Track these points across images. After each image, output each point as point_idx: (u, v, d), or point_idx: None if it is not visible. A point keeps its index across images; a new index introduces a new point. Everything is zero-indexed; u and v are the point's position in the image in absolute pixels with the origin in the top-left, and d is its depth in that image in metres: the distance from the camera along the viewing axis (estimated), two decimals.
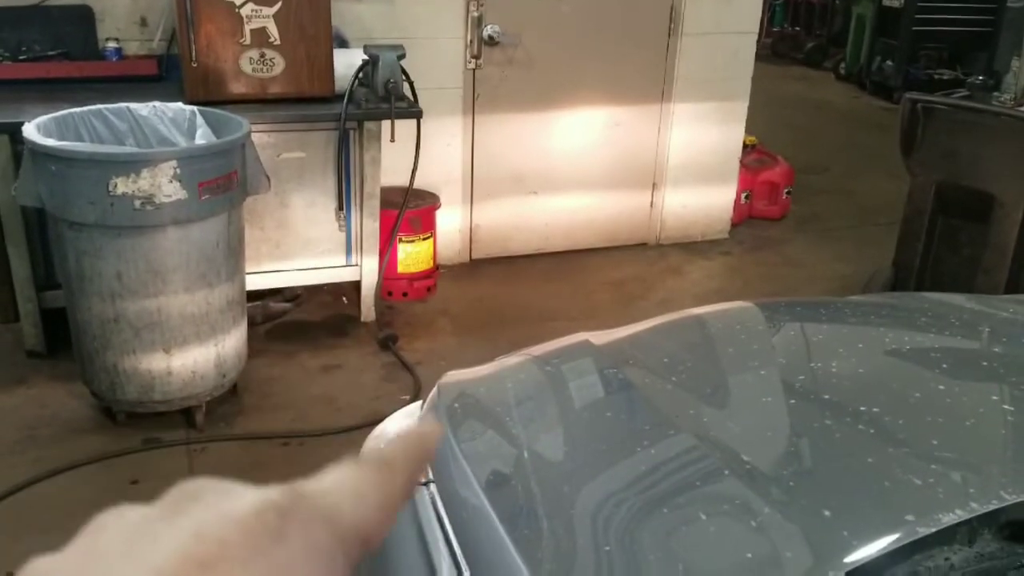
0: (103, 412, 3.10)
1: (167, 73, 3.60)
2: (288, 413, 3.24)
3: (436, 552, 1.21)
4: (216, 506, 0.31)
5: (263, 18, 3.24)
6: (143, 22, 3.71)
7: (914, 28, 8.69)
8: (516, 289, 4.37)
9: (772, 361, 1.70)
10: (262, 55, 3.30)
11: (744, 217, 5.16)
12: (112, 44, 3.56)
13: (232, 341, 3.07)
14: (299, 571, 0.30)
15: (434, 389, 1.70)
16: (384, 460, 0.37)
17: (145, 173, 2.63)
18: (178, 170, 2.66)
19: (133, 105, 3.07)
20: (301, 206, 3.63)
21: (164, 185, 2.66)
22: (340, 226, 3.69)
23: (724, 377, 1.67)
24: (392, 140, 3.48)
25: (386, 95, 3.40)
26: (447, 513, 1.26)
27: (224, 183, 2.81)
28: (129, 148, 2.89)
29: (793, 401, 1.59)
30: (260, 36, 3.27)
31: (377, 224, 3.73)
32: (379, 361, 3.64)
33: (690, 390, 1.59)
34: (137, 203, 2.65)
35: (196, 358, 2.95)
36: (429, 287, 4.17)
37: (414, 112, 3.51)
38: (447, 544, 1.21)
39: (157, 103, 3.09)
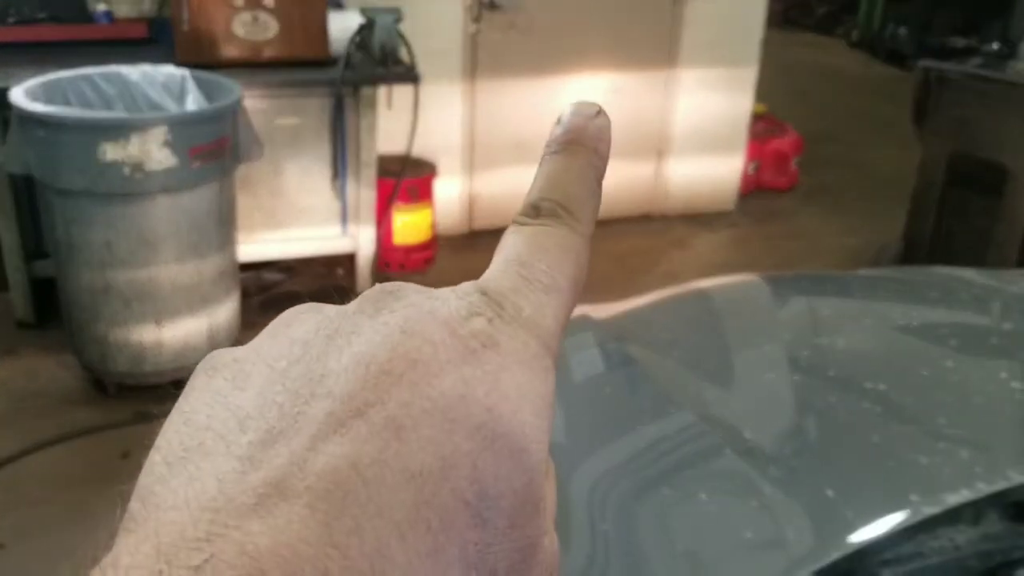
0: (94, 384, 3.04)
1: (158, 36, 3.51)
2: None
3: None
4: (421, 305, 0.29)
5: None
6: None
7: None
8: None
9: (777, 336, 1.63)
10: (255, 18, 3.20)
11: (752, 188, 5.06)
12: (102, 7, 3.46)
13: (224, 312, 3.01)
14: (512, 375, 0.28)
15: None
16: (559, 207, 0.33)
17: (135, 139, 2.55)
18: (169, 136, 2.59)
19: (123, 69, 2.99)
20: (295, 174, 3.55)
21: (154, 151, 2.59)
22: (336, 195, 3.61)
23: (727, 353, 1.60)
24: (389, 107, 3.39)
25: (383, 59, 3.31)
26: None
27: (215, 150, 2.74)
28: (119, 113, 2.81)
29: (797, 377, 1.52)
30: None
31: (374, 193, 3.66)
32: None
33: (692, 366, 1.52)
34: (127, 170, 2.58)
35: (188, 329, 2.89)
36: (427, 259, 4.09)
37: (412, 77, 3.42)
38: None
39: (147, 67, 3.00)
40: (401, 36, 3.35)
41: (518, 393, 0.27)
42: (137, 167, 2.59)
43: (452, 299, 0.29)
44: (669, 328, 1.72)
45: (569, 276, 0.32)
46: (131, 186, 2.61)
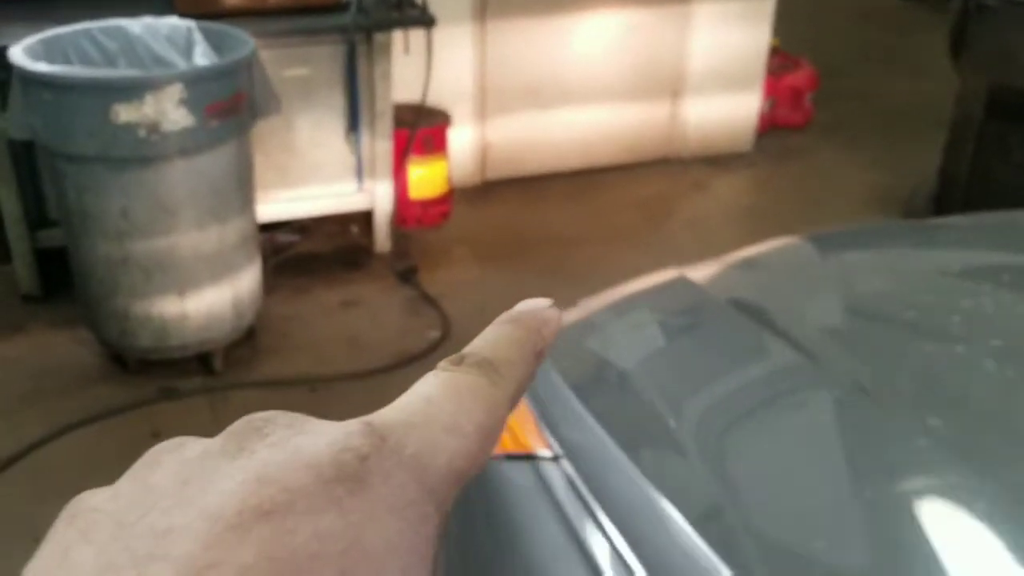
0: (112, 360, 2.88)
1: None
2: (309, 355, 3.03)
3: (589, 546, 1.02)
4: (286, 444, 0.27)
5: None
6: None
7: None
8: (534, 212, 4.13)
9: (898, 291, 1.50)
10: None
11: (767, 126, 4.90)
12: None
13: (248, 280, 2.85)
14: (380, 526, 0.26)
15: None
16: (485, 361, 0.33)
17: (149, 98, 2.36)
18: (185, 94, 2.40)
19: (123, 22, 2.77)
20: (307, 128, 3.36)
21: (170, 111, 2.40)
22: (350, 149, 3.43)
23: (848, 310, 1.47)
24: (406, 52, 3.20)
25: (397, 2, 3.10)
26: (593, 496, 1.05)
27: (232, 106, 2.55)
28: (131, 72, 2.60)
29: (927, 333, 1.39)
30: None
31: (390, 145, 3.47)
32: (399, 295, 3.42)
33: (814, 327, 1.38)
34: (142, 132, 2.39)
35: (212, 300, 2.73)
36: (444, 213, 3.92)
37: (427, 19, 3.22)
38: (603, 536, 1.01)
39: (150, 19, 2.79)
40: None
41: (385, 548, 0.26)
42: (153, 128, 2.40)
43: (327, 434, 0.28)
44: (780, 287, 1.59)
45: (478, 423, 0.30)
46: (147, 149, 2.43)
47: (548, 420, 1.22)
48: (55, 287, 3.15)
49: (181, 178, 2.53)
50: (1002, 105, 3.49)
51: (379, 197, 3.55)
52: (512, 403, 0.33)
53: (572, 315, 1.62)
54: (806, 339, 1.29)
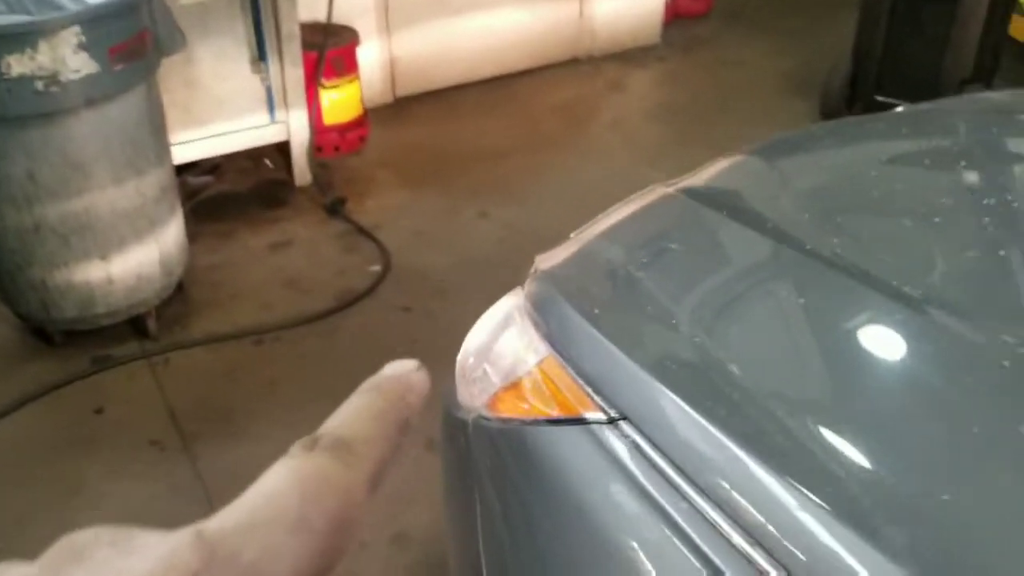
0: (34, 334, 2.66)
1: None
2: (248, 304, 2.86)
3: (675, 517, 0.95)
4: (106, 571, 0.25)
5: None
6: None
7: None
8: (454, 126, 3.98)
9: (894, 181, 1.46)
10: None
11: (671, 17, 4.82)
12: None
13: (173, 233, 2.64)
14: None
15: (531, 284, 1.40)
16: (340, 442, 0.30)
17: (43, 46, 2.10)
18: (83, 37, 2.14)
19: None
20: (209, 59, 3.10)
21: (69, 58, 2.14)
22: (262, 79, 3.19)
23: (850, 205, 1.42)
24: None
25: None
26: (670, 462, 0.98)
27: (137, 46, 2.30)
28: (19, 17, 2.31)
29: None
30: None
31: (301, 71, 3.25)
32: (331, 230, 3.25)
33: (832, 225, 1.31)
34: (39, 84, 2.14)
35: (138, 259, 2.52)
36: (362, 136, 3.73)
37: None
38: (690, 505, 0.94)
39: None
40: None
41: None
42: (51, 79, 2.14)
43: (153, 553, 0.25)
44: (772, 188, 1.53)
45: (328, 515, 0.28)
46: (47, 103, 2.17)
47: (591, 378, 1.13)
48: None
49: (90, 131, 2.28)
50: None
51: (295, 127, 3.34)
52: (372, 484, 0.31)
53: (569, 250, 1.52)
54: (829, 246, 1.23)
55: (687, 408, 1.00)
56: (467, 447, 1.34)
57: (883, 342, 1.03)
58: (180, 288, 2.82)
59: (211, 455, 2.31)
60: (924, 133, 1.77)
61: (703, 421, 0.98)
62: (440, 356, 2.82)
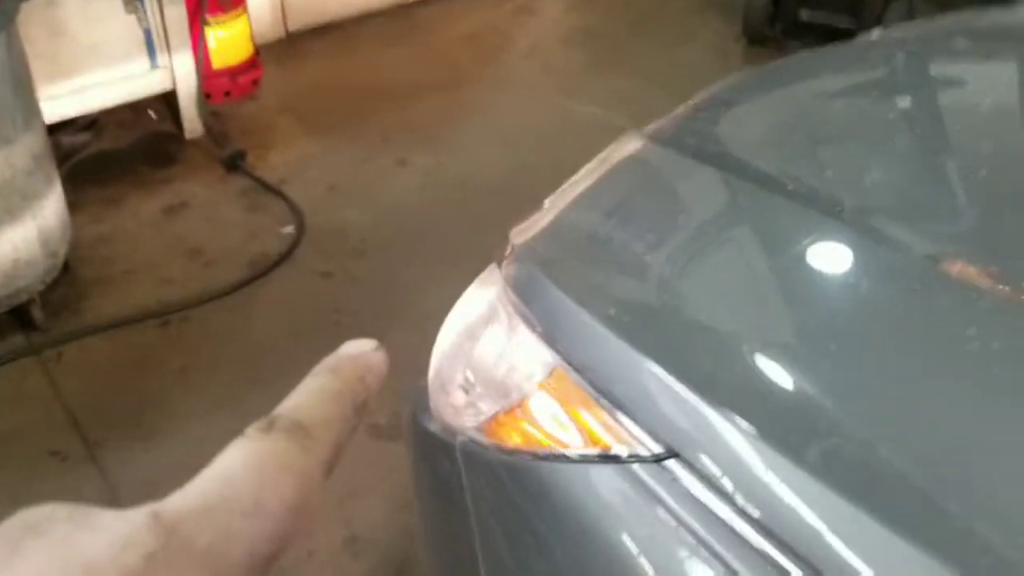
0: None
1: None
2: (146, 281, 2.53)
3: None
4: (64, 544, 0.25)
5: None
6: None
7: None
8: (357, 63, 3.64)
9: (884, 113, 1.28)
10: None
11: None
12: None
13: (52, 206, 2.28)
14: None
15: (511, 266, 1.17)
16: (296, 425, 0.31)
17: None
18: None
19: None
20: (76, 1, 2.68)
21: None
22: (139, 19, 2.79)
23: (840, 144, 1.23)
24: None
25: None
26: (741, 513, 0.78)
27: None
28: None
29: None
30: None
31: (183, 8, 2.86)
32: (232, 187, 2.92)
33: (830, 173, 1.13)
34: None
35: (15, 241, 2.16)
36: (256, 79, 3.35)
37: None
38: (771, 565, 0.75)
39: None
40: None
41: None
42: None
43: (110, 530, 0.26)
44: (755, 123, 1.33)
45: (285, 499, 0.29)
46: None
47: (622, 401, 0.92)
48: None
49: None
50: None
51: (180, 72, 2.96)
52: (328, 467, 0.31)
53: (547, 220, 1.29)
54: (830, 194, 1.04)
55: (765, 447, 0.80)
56: (455, 474, 1.11)
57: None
58: (66, 268, 2.46)
59: (122, 463, 2.02)
60: (874, 65, 1.60)
61: (789, 464, 0.78)
62: (369, 326, 2.56)
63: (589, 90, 3.44)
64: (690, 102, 1.55)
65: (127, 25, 2.80)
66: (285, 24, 3.75)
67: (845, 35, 3.53)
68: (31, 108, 2.18)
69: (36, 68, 2.62)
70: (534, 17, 4.02)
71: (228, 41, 3.18)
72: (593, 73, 3.58)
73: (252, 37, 3.32)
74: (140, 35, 2.85)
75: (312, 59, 3.65)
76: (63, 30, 2.70)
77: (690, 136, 1.41)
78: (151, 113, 3.20)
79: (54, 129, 2.91)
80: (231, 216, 2.79)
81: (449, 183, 2.96)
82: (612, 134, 3.43)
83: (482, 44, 3.77)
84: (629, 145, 1.42)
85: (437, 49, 3.72)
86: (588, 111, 3.32)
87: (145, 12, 2.80)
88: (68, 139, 3.00)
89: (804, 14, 3.55)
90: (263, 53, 3.55)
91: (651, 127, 1.47)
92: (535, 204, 1.42)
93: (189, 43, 2.93)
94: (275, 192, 2.87)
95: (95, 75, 2.82)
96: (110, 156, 3.04)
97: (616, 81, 3.52)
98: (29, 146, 2.15)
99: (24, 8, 2.40)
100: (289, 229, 2.72)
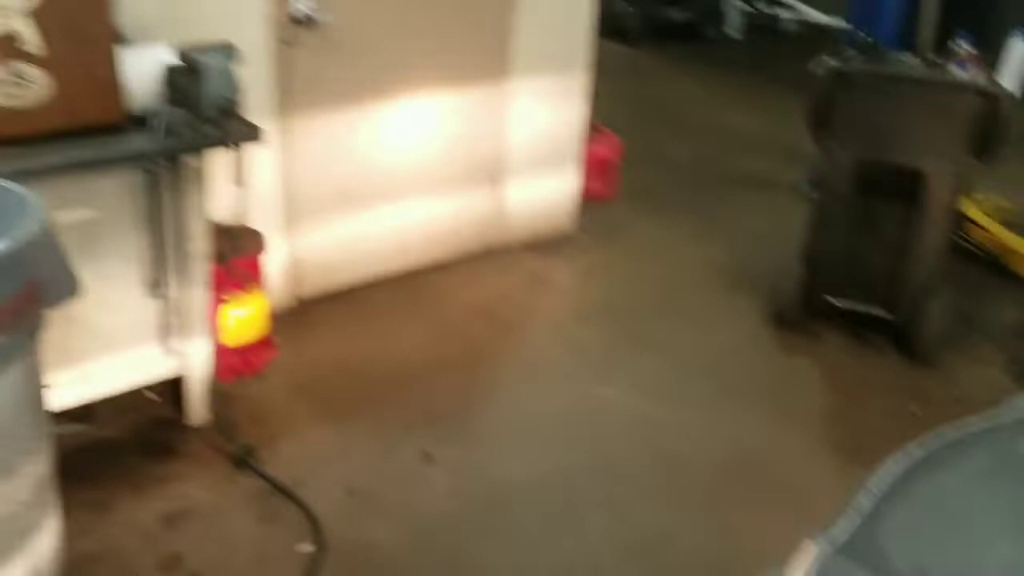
0: None
1: None
2: None
3: None
4: None
5: (14, 17, 2.02)
6: None
7: None
8: (370, 335, 3.42)
9: None
10: (16, 73, 2.07)
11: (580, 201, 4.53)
12: None
13: (47, 540, 1.94)
14: None
15: None
16: None
17: None
18: None
19: None
20: (93, 286, 2.43)
21: None
22: (153, 304, 2.56)
23: None
24: (239, 184, 2.41)
25: (217, 117, 2.31)
26: None
27: (20, 307, 1.68)
28: None
29: None
30: (9, 45, 2.04)
31: (206, 295, 2.65)
32: (241, 490, 2.59)
33: None
34: None
35: None
36: (269, 358, 3.11)
37: (254, 134, 2.45)
38: None
39: None
40: (237, 82, 2.36)
41: None
42: None
43: None
44: None
45: None
46: None
47: None
48: None
49: None
50: (870, 181, 3.32)
51: (193, 358, 2.71)
52: None
53: None
54: None
55: None
56: None
57: None
58: None
59: None
60: None
61: None
62: None
63: (617, 373, 3.26)
64: (871, 489, 1.33)
65: (141, 310, 2.57)
66: (299, 291, 3.56)
67: (877, 324, 3.43)
68: (40, 433, 1.88)
69: (44, 357, 2.35)
70: (547, 288, 3.90)
71: (244, 320, 2.97)
72: (619, 353, 3.42)
73: (268, 316, 3.11)
74: (154, 320, 2.61)
75: (324, 328, 3.43)
76: (74, 316, 2.44)
77: (891, 550, 1.18)
78: (149, 394, 2.90)
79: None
80: (240, 529, 2.45)
81: (481, 486, 2.68)
82: (650, 428, 3.14)
83: (497, 318, 3.61)
84: (815, 561, 1.19)
85: (451, 321, 3.54)
86: (618, 398, 3.13)
87: (164, 297, 2.58)
88: (61, 430, 2.67)
89: (834, 299, 3.49)
90: (276, 321, 3.34)
91: (834, 531, 1.25)
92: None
93: (207, 326, 2.69)
94: (289, 496, 2.55)
95: (101, 362, 2.55)
96: (102, 446, 2.71)
97: (644, 363, 3.36)
98: (35, 475, 1.84)
99: None
100: (307, 547, 2.38)
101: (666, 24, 8.51)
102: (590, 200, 4.65)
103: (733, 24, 8.96)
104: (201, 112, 2.30)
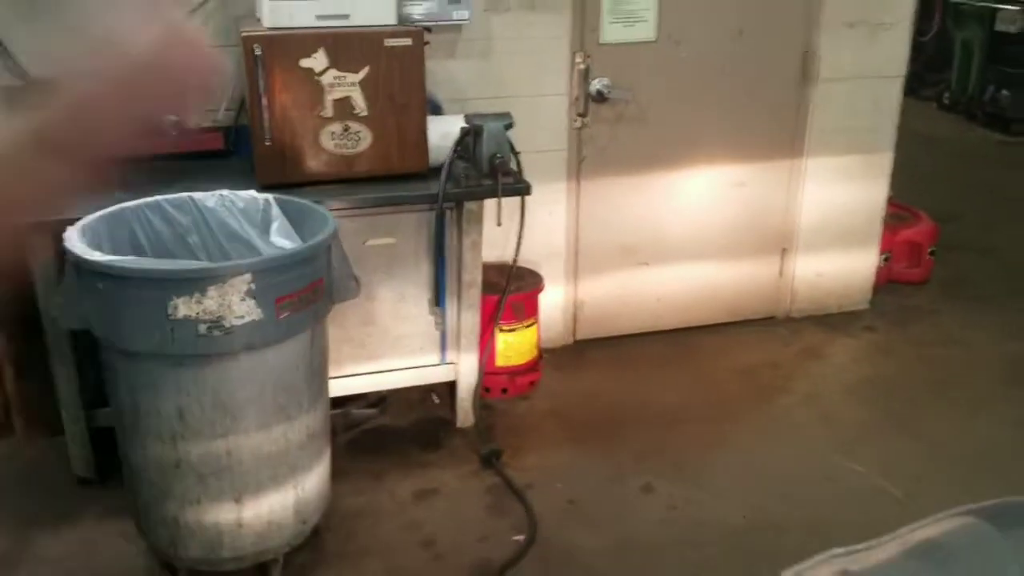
0: (163, 565, 2.58)
1: (235, 147, 3.11)
2: (377, 562, 2.67)
3: None
4: None
5: (348, 86, 2.72)
6: None
7: None
8: (630, 378, 3.76)
9: None
10: (346, 128, 2.77)
11: (883, 282, 4.49)
12: (171, 116, 3.06)
13: (314, 480, 2.53)
14: None
15: None
16: None
17: (212, 292, 2.10)
18: (253, 285, 2.14)
19: (197, 195, 2.57)
20: (389, 300, 3.09)
21: (235, 304, 2.13)
22: (436, 322, 3.14)
23: None
24: (499, 224, 2.93)
25: (491, 171, 2.85)
26: None
27: (307, 296, 2.28)
28: (192, 263, 2.38)
29: None
30: (344, 107, 2.75)
31: (477, 318, 3.18)
32: (482, 483, 3.06)
33: None
34: (202, 327, 2.13)
35: (272, 505, 2.41)
36: (532, 381, 3.59)
37: (521, 189, 2.96)
38: None
39: (225, 192, 2.58)
40: (511, 145, 2.89)
41: None
42: (215, 324, 2.14)
43: None
44: None
45: None
46: (207, 345, 2.16)
47: None
48: (110, 469, 2.88)
49: (245, 376, 2.25)
50: None
51: (464, 370, 3.25)
52: None
53: None
54: None
55: None
56: None
57: None
58: (316, 533, 2.68)
59: None
60: None
61: None
62: None
63: (863, 449, 3.27)
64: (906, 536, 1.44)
65: (427, 324, 3.16)
66: (574, 333, 4.01)
67: None
68: (319, 392, 2.49)
69: (345, 351, 3.03)
70: (820, 361, 3.96)
71: (515, 346, 3.47)
72: (874, 431, 3.41)
73: (538, 344, 3.59)
74: (436, 334, 3.20)
75: (591, 366, 3.84)
76: (374, 321, 3.10)
77: None
78: (435, 397, 3.50)
79: (348, 400, 3.30)
80: (472, 514, 2.91)
81: (692, 523, 2.88)
82: (879, 504, 3.20)
83: (756, 381, 3.76)
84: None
85: (709, 378, 3.76)
86: (855, 470, 3.14)
87: (444, 317, 3.15)
88: (358, 411, 3.35)
89: None
90: (550, 355, 3.83)
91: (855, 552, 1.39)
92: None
93: (477, 346, 3.22)
94: (518, 496, 2.96)
95: (392, 361, 3.17)
96: (388, 431, 3.34)
97: (898, 444, 3.32)
98: (308, 425, 2.44)
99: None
100: (520, 538, 2.77)
101: None
102: (896, 282, 4.60)
103: None
104: (479, 166, 2.86)
